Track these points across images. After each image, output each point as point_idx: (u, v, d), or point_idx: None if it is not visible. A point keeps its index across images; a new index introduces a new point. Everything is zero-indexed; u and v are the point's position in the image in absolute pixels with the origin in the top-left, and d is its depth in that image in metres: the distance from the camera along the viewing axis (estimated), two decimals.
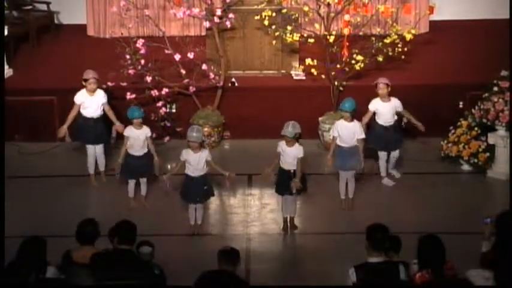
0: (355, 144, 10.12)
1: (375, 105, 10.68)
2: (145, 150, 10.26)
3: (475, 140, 11.16)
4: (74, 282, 7.13)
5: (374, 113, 10.71)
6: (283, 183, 9.73)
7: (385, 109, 10.67)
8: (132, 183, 10.36)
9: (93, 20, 14.35)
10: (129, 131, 10.25)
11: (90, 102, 10.76)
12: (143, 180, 10.38)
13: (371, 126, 10.77)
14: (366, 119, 10.65)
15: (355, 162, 10.18)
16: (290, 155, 9.57)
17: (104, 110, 10.83)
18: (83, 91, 10.78)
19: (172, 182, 10.04)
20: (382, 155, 10.83)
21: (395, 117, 10.75)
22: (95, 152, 10.90)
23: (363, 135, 10.18)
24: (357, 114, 10.29)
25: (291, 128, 9.50)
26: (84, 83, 10.76)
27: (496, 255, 7.02)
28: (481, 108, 11.07)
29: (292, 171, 9.62)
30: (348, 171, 10.23)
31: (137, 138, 10.20)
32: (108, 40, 13.65)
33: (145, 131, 10.26)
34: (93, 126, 10.78)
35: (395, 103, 10.69)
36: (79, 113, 10.82)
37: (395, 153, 10.86)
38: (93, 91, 10.74)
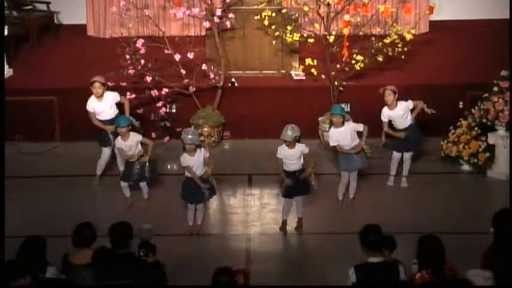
0: (357, 143, 10.07)
1: (385, 114, 10.55)
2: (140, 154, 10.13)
3: (475, 140, 11.15)
4: (74, 283, 7.13)
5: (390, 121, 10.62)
6: (293, 186, 9.61)
7: (395, 115, 10.54)
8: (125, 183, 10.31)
9: (93, 20, 14.35)
10: (118, 143, 10.12)
11: (101, 107, 10.67)
12: (142, 184, 10.29)
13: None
14: (384, 128, 10.55)
15: (361, 162, 10.13)
16: (295, 155, 9.52)
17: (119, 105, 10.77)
18: (92, 98, 10.66)
19: (172, 182, 10.05)
20: (395, 155, 10.75)
21: (411, 120, 10.54)
22: (109, 156, 10.78)
23: (362, 127, 10.01)
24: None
25: (290, 132, 9.40)
26: (90, 87, 10.65)
27: (496, 255, 7.01)
28: (481, 108, 11.07)
29: (297, 173, 9.60)
30: (353, 172, 10.20)
31: (126, 147, 10.04)
32: (108, 40, 13.69)
33: (135, 137, 10.07)
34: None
35: (403, 107, 10.49)
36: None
37: (407, 155, 10.70)
38: (99, 96, 10.62)
